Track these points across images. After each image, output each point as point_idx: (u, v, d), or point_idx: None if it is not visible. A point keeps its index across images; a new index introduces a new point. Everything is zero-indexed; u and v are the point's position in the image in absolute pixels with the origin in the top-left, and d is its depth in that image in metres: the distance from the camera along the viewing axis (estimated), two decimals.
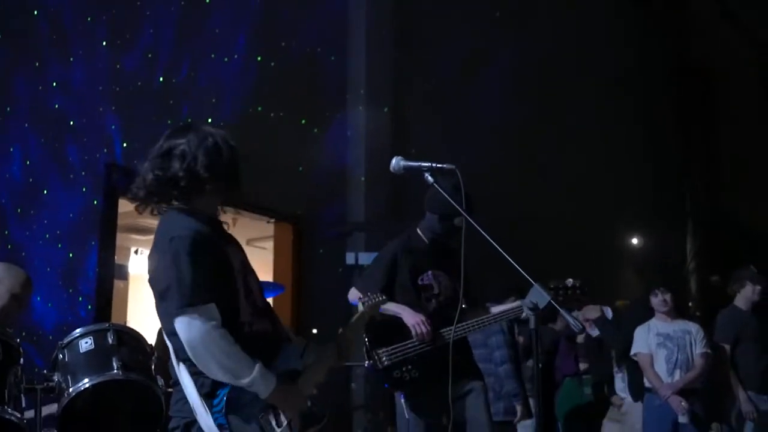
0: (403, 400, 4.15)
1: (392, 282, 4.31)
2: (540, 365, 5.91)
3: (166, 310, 2.70)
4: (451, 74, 9.31)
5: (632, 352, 6.12)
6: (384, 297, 3.41)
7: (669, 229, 13.63)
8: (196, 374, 2.69)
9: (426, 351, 4.11)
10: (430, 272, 4.34)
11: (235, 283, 2.78)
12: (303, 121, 8.04)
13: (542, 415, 3.50)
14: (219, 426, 2.60)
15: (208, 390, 2.67)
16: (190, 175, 2.80)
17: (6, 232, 5.72)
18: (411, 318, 4.13)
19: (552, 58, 10.66)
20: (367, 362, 4.17)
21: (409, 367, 4.10)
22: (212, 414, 2.62)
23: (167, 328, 2.74)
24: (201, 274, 2.65)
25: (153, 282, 2.80)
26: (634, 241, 13.38)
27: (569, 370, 7.06)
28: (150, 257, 2.85)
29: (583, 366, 7.19)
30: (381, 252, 4.49)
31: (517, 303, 4.28)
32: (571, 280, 4.21)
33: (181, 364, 2.73)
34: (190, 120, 3.06)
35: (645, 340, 5.99)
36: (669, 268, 12.36)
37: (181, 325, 2.62)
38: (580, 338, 7.01)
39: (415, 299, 4.27)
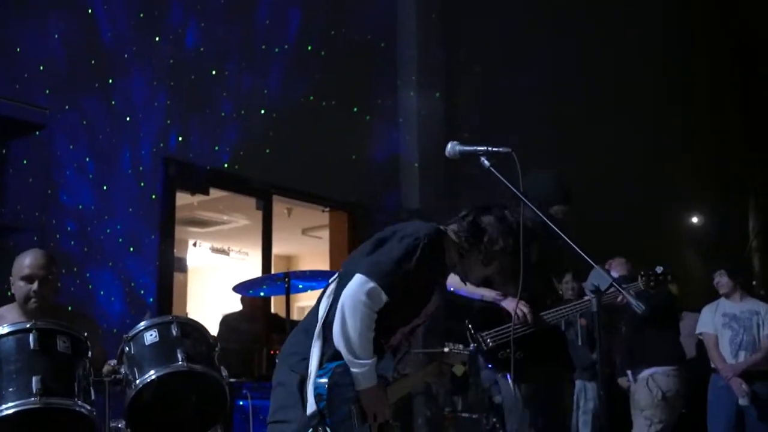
0: (509, 381, 4.30)
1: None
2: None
3: (362, 264, 2.88)
4: (500, 57, 9.25)
5: (697, 331, 6.05)
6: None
7: (731, 207, 13.41)
8: (328, 343, 2.86)
9: (528, 333, 4.23)
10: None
11: (416, 311, 2.99)
12: (355, 109, 8.06)
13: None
14: (317, 395, 2.75)
15: (330, 356, 2.82)
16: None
17: (68, 228, 5.86)
18: (511, 303, 4.24)
19: (600, 40, 10.53)
20: (471, 345, 4.32)
21: (515, 349, 4.16)
22: (317, 379, 2.78)
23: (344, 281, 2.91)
24: (407, 276, 2.83)
25: (372, 243, 3.00)
26: (695, 220, 13.17)
27: None
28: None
29: None
30: None
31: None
32: (660, 267, 4.37)
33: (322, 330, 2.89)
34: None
35: (711, 319, 5.92)
36: (729, 249, 12.12)
37: (360, 281, 2.79)
38: None
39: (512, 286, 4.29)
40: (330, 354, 2.82)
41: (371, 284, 2.77)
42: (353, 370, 2.77)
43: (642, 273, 4.39)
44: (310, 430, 2.77)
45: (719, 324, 5.87)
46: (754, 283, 12.12)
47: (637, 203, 10.56)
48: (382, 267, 2.82)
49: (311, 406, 2.76)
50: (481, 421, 7.07)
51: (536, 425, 4.31)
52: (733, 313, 5.86)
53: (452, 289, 4.36)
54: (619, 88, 10.90)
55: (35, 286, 3.92)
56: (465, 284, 4.26)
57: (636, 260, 5.96)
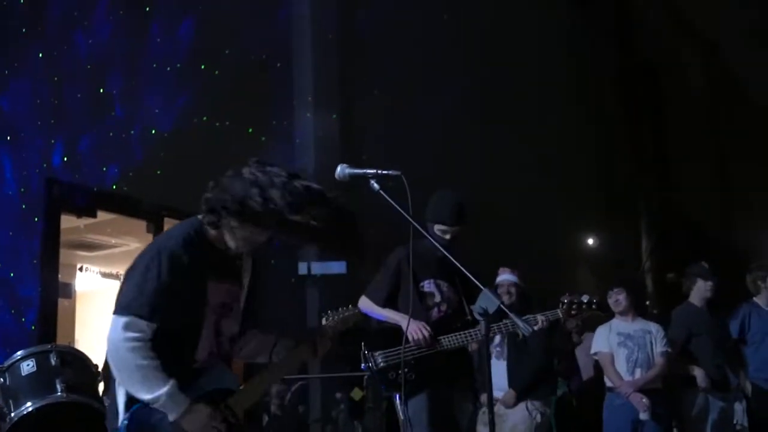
0: (397, 401, 4.24)
1: (397, 289, 4.41)
2: None
3: (115, 304, 2.75)
4: (399, 77, 9.34)
5: (592, 351, 6.17)
6: (356, 310, 3.42)
7: (624, 229, 13.82)
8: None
9: (423, 355, 4.21)
10: (432, 280, 4.43)
11: (196, 317, 2.81)
12: (250, 130, 8.00)
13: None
14: None
15: (125, 402, 2.71)
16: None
17: None
18: (410, 325, 4.17)
19: (500, 60, 10.75)
20: (362, 365, 4.31)
21: (406, 369, 4.20)
22: (123, 425, 2.65)
23: None
24: (161, 291, 2.70)
25: (123, 277, 2.86)
26: (590, 241, 13.51)
27: None
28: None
29: None
30: (387, 260, 4.52)
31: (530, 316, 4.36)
32: (587, 295, 4.36)
33: None
34: None
35: (606, 339, 6.05)
36: (625, 268, 12.51)
37: (113, 322, 2.69)
38: None
39: (418, 307, 4.32)
40: (131, 397, 2.70)
41: (124, 319, 2.66)
42: (154, 405, 2.63)
43: (565, 300, 4.33)
44: None
45: (614, 343, 6.01)
46: (647, 302, 12.52)
47: (532, 223, 10.77)
48: (129, 297, 2.70)
49: None
50: None
51: None
52: (627, 332, 6.00)
53: (363, 310, 4.31)
54: (515, 110, 11.15)
55: None
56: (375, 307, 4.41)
57: (533, 280, 6.08)
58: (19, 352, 3.66)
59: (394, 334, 4.25)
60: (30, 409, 3.48)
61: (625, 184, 14.14)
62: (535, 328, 4.21)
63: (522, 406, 5.72)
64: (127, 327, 2.65)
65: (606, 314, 5.99)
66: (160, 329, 2.70)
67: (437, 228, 4.34)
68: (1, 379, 3.58)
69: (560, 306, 4.34)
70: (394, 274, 4.44)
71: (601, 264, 12.59)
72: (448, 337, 4.30)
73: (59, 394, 3.50)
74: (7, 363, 3.62)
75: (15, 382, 3.56)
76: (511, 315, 2.97)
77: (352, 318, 3.32)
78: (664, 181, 14.40)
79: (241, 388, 2.85)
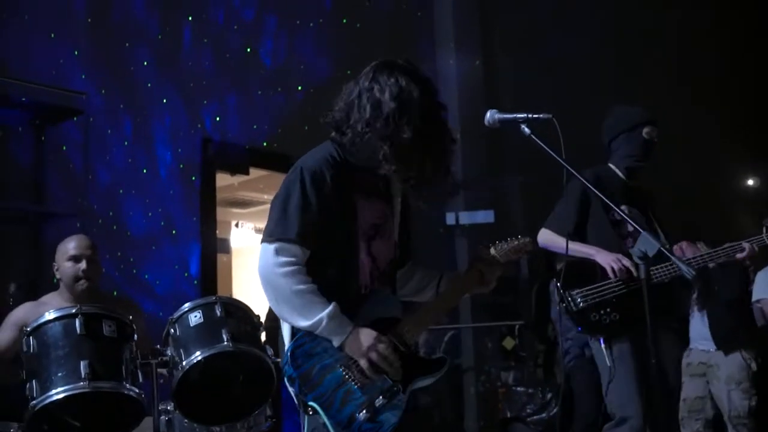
0: (603, 345, 3.90)
1: (585, 218, 4.07)
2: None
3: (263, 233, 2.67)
4: (539, 21, 9.14)
5: (755, 298, 5.93)
6: (528, 239, 3.02)
7: None
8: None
9: (625, 292, 3.84)
10: (624, 207, 3.99)
11: (349, 233, 2.68)
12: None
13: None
14: (289, 378, 2.53)
15: (290, 335, 2.62)
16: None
17: (110, 213, 5.95)
18: (606, 257, 3.86)
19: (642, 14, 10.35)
20: (557, 306, 4.00)
21: (608, 309, 3.85)
22: (286, 363, 2.56)
23: None
24: (308, 209, 2.58)
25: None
26: (750, 182, 12.96)
27: None
28: None
29: None
30: (569, 187, 3.92)
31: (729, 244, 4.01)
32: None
33: None
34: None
35: None
36: None
37: (262, 251, 2.61)
38: None
39: (611, 236, 3.99)
40: (294, 331, 2.60)
41: (273, 245, 2.55)
42: (317, 332, 2.52)
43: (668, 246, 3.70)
44: (303, 416, 2.56)
45: None
46: None
47: (691, 167, 10.42)
48: (275, 222, 2.59)
49: (293, 393, 2.54)
50: (535, 395, 7.04)
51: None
52: None
53: (543, 245, 4.09)
54: (664, 51, 10.73)
55: (83, 265, 4.03)
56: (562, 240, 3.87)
57: (695, 224, 5.88)
58: (186, 304, 3.77)
59: (589, 268, 3.91)
60: (199, 357, 3.61)
61: None
62: (740, 256, 3.94)
63: (737, 355, 5.53)
64: (277, 252, 2.55)
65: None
66: (315, 255, 2.60)
67: (646, 131, 4.10)
68: (172, 330, 3.75)
69: (765, 231, 3.98)
70: (579, 201, 4.04)
71: (764, 205, 12.02)
72: (655, 269, 3.80)
73: (225, 343, 3.62)
74: (176, 315, 3.75)
75: (184, 333, 3.70)
76: (674, 258, 2.80)
77: (525, 247, 2.98)
78: None
79: (409, 317, 2.71)
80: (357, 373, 2.52)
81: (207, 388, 3.73)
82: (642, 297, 3.26)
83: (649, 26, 10.55)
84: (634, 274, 3.75)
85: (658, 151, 4.29)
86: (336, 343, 2.53)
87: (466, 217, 7.92)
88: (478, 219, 7.95)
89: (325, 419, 2.46)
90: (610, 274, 3.84)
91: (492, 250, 2.91)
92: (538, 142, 2.94)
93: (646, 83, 10.26)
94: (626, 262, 3.81)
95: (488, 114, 3.07)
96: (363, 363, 2.52)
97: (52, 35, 5.82)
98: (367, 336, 2.53)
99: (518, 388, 7.35)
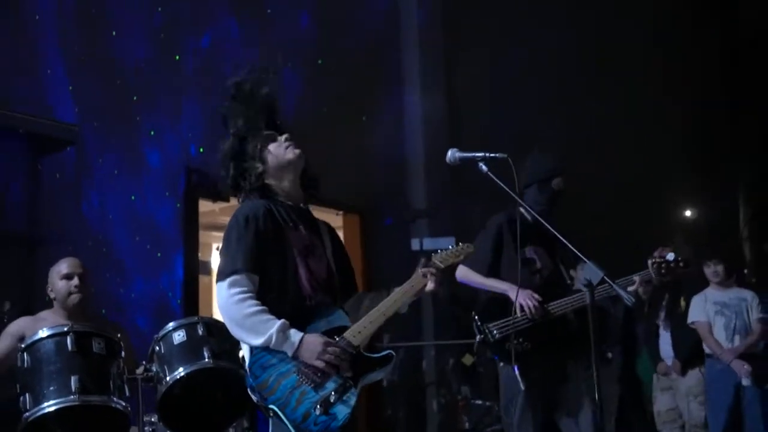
0: (517, 372, 4.04)
1: (499, 256, 4.25)
2: None
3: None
4: (501, 55, 9.26)
5: (689, 321, 6.05)
6: (467, 245, 3.23)
7: (720, 199, 13.37)
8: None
9: (534, 324, 4.05)
10: (531, 247, 4.21)
11: (291, 261, 2.83)
12: (363, 118, 8.10)
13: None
14: (250, 388, 2.65)
15: (249, 355, 2.73)
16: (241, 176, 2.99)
17: (100, 236, 5.93)
18: (519, 294, 4.02)
19: (601, 33, 10.49)
20: (477, 336, 4.13)
21: (521, 339, 4.05)
22: (248, 376, 2.67)
23: None
24: (243, 246, 2.75)
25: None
26: (687, 213, 13.13)
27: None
28: None
29: None
30: (486, 227, 4.33)
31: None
32: (672, 254, 4.06)
33: None
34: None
35: (702, 308, 5.92)
36: (722, 238, 12.09)
37: (218, 288, 2.76)
38: None
39: (522, 272, 4.02)
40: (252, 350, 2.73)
41: (226, 281, 2.72)
42: (271, 346, 2.64)
43: (653, 260, 4.00)
44: (270, 420, 2.65)
45: (711, 312, 5.88)
46: (745, 271, 12.08)
47: (629, 197, 10.54)
48: (224, 263, 2.77)
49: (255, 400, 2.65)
50: (492, 407, 7.09)
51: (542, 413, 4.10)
52: (723, 300, 5.86)
53: (461, 280, 4.28)
54: (615, 81, 10.90)
55: (75, 281, 4.03)
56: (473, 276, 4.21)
57: (631, 252, 5.98)
58: (170, 324, 3.82)
59: (501, 303, 4.10)
60: (182, 373, 3.65)
61: (723, 155, 13.66)
62: (631, 288, 4.01)
63: (696, 371, 6.08)
64: (231, 286, 2.70)
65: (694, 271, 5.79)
66: (262, 280, 2.75)
67: (555, 182, 4.26)
68: (157, 348, 3.77)
69: (651, 265, 4.03)
70: (495, 241, 4.25)
71: (699, 234, 12.21)
72: (555, 304, 4.09)
73: (206, 360, 3.66)
74: (161, 333, 3.80)
75: (168, 350, 3.74)
76: (614, 286, 2.85)
77: (463, 252, 3.18)
78: (763, 151, 13.80)
79: (357, 323, 2.79)
80: (311, 375, 2.62)
81: (189, 402, 3.75)
82: (548, 327, 4.00)
83: (609, 60, 10.71)
84: (535, 312, 4.03)
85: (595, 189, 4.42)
86: (289, 353, 2.65)
87: (429, 243, 7.97)
88: (440, 245, 7.95)
89: (284, 418, 2.56)
90: (519, 312, 4.05)
91: (434, 258, 3.06)
92: (494, 178, 3.01)
93: (601, 115, 10.42)
94: (535, 301, 4.05)
95: (449, 153, 3.13)
96: (317, 363, 2.63)
97: (48, 71, 5.83)
98: (316, 341, 2.66)
99: (476, 401, 7.41)
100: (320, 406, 2.57)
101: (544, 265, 4.24)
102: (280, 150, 2.97)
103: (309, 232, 2.97)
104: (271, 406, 2.58)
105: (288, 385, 2.61)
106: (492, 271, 4.23)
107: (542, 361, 4.07)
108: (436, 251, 3.15)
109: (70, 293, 4.03)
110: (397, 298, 2.89)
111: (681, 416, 6.28)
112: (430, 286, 2.95)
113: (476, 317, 4.15)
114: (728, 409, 5.74)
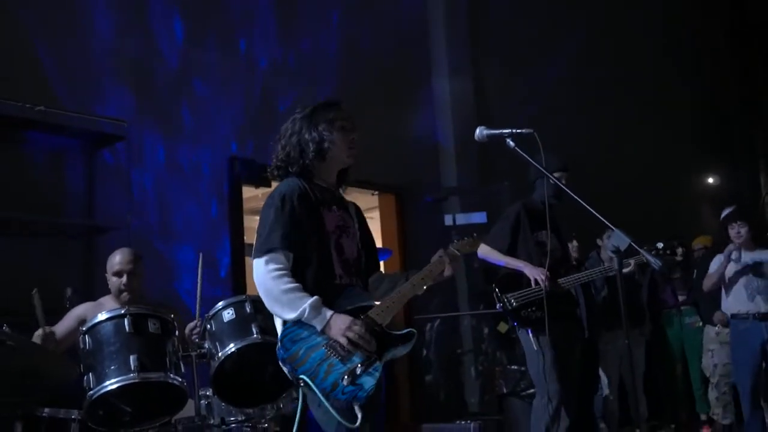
0: (531, 335, 4.56)
1: (516, 238, 4.74)
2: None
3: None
4: (527, 39, 9.19)
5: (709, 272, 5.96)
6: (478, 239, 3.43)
7: (742, 167, 13.23)
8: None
9: (544, 296, 4.46)
10: (542, 231, 4.67)
11: (324, 240, 2.85)
12: (396, 103, 8.06)
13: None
14: (281, 360, 2.68)
15: (282, 328, 2.76)
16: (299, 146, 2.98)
17: (152, 224, 5.98)
18: (532, 271, 4.56)
19: (610, 24, 10.39)
20: (498, 305, 4.65)
21: (534, 308, 4.54)
22: (279, 348, 2.70)
23: None
24: (279, 225, 2.76)
25: None
26: (710, 180, 12.95)
27: (668, 303, 7.23)
28: None
29: (681, 298, 7.24)
30: (506, 213, 4.87)
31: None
32: (660, 243, 4.72)
33: None
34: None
35: (718, 263, 5.85)
36: (744, 203, 11.89)
37: (255, 265, 2.77)
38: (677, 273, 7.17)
39: (535, 253, 4.66)
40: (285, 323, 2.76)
41: (263, 258, 2.74)
42: (303, 320, 2.68)
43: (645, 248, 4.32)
44: (301, 391, 2.70)
45: (731, 271, 5.77)
46: (766, 235, 11.86)
47: (653, 171, 10.43)
48: (261, 238, 2.78)
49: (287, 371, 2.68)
50: (527, 372, 7.06)
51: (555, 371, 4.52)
52: (745, 261, 5.74)
53: (483, 257, 4.72)
54: (635, 63, 10.77)
55: (124, 279, 4.07)
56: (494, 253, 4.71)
57: (656, 223, 5.93)
58: (220, 303, 3.86)
59: (516, 278, 4.63)
60: (233, 349, 3.67)
61: (743, 126, 13.47)
62: (626, 270, 4.71)
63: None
64: (267, 263, 2.73)
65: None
66: (297, 259, 2.77)
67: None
68: (208, 326, 3.80)
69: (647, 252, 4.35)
70: (513, 225, 4.74)
71: (722, 201, 12.01)
72: (564, 280, 4.68)
73: (255, 336, 3.68)
74: (211, 312, 3.83)
75: (219, 328, 3.77)
76: (642, 251, 2.94)
77: (476, 244, 3.32)
78: None
79: (380, 303, 2.85)
80: (338, 349, 2.66)
81: (241, 375, 3.77)
82: (556, 299, 4.49)
83: (625, 46, 10.59)
84: (545, 286, 4.50)
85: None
86: (318, 327, 2.69)
87: (462, 219, 7.95)
88: (472, 220, 7.99)
89: (314, 387, 2.60)
90: (533, 284, 4.58)
91: (451, 247, 3.13)
92: (521, 153, 2.99)
93: (616, 94, 10.30)
94: (546, 274, 4.52)
95: (477, 130, 3.13)
96: (342, 340, 2.66)
97: (101, 72, 5.87)
98: (343, 319, 2.70)
99: (512, 367, 7.36)
100: (348, 376, 2.61)
101: (553, 247, 4.62)
102: (344, 145, 2.97)
103: (341, 209, 3.00)
104: (302, 377, 2.62)
105: (317, 358, 2.65)
106: (510, 251, 4.72)
107: (550, 327, 4.43)
108: (459, 238, 3.25)
109: (120, 291, 4.10)
110: (417, 282, 2.95)
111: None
112: (447, 271, 3.02)
113: (496, 288, 4.67)
114: (754, 368, 5.63)
